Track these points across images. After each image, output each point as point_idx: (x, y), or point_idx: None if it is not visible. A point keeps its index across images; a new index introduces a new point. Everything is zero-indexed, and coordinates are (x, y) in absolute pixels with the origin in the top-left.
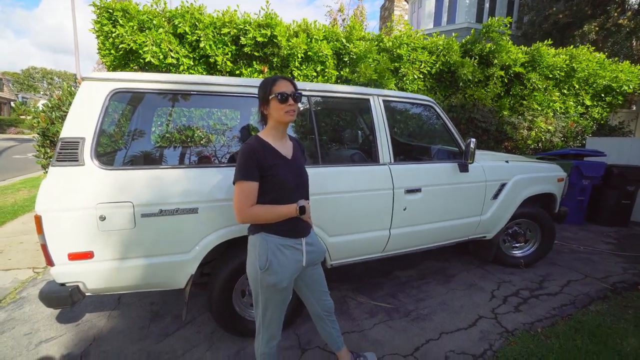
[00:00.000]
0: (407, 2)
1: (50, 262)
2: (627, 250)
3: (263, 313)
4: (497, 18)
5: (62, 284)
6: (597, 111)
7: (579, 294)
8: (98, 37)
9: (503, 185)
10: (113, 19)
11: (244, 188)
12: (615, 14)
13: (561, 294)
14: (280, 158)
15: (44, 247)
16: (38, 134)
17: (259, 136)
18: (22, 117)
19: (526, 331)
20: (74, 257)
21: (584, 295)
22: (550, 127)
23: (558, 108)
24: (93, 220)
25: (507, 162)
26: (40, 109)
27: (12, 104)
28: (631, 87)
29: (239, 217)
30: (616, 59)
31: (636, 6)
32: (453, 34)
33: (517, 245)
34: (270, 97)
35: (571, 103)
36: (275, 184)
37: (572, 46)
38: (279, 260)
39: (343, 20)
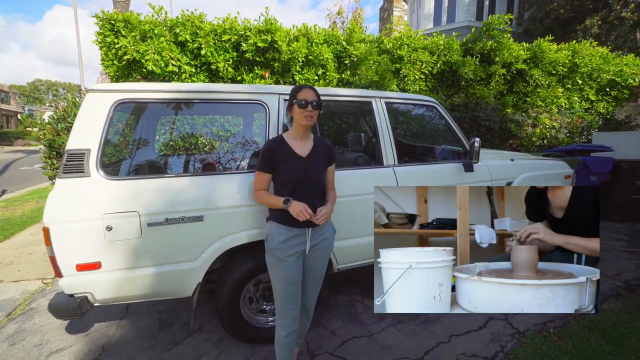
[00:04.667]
0: (406, 3)
1: (58, 274)
2: (639, 247)
3: (277, 298)
4: (497, 15)
5: (71, 295)
6: (602, 106)
7: None
8: (101, 48)
9: (509, 184)
10: (115, 30)
11: (257, 176)
12: (618, 7)
13: None
14: (293, 155)
15: (52, 259)
16: (45, 145)
17: (281, 135)
18: (28, 129)
19: (538, 332)
20: (82, 268)
21: None
22: (555, 124)
23: (563, 104)
24: (100, 231)
25: (512, 160)
26: (46, 121)
27: (19, 116)
28: (637, 80)
29: (252, 196)
30: (620, 52)
31: None
32: (453, 33)
33: None
34: (293, 102)
35: (576, 98)
36: (283, 176)
37: (574, 41)
38: (279, 239)
39: (342, 22)
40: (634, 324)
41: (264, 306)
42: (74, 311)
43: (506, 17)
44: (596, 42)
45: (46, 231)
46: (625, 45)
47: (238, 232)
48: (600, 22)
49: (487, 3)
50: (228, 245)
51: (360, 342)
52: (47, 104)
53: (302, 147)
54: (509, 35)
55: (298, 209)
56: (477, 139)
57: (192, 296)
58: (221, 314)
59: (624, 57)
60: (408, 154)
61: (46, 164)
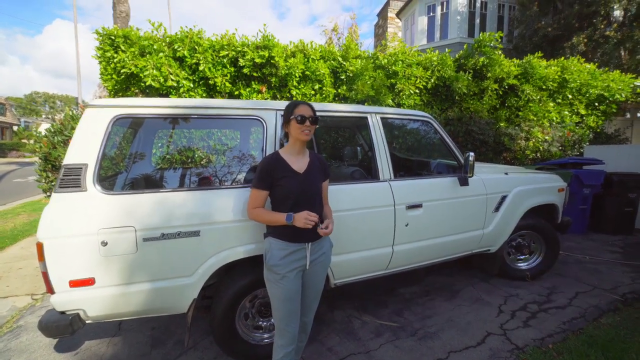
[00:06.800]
0: (401, 20)
1: (50, 290)
2: (634, 259)
3: (276, 316)
4: (488, 33)
5: (62, 312)
6: (592, 120)
7: (588, 306)
8: (100, 62)
9: (504, 198)
10: (115, 45)
11: (254, 194)
12: (602, 26)
13: (570, 306)
14: (291, 172)
15: (45, 275)
16: (40, 158)
17: (277, 151)
18: (23, 140)
19: (537, 347)
20: (75, 284)
21: (594, 308)
22: (547, 137)
23: (554, 118)
24: (95, 246)
25: (506, 174)
26: (43, 133)
27: (15, 128)
28: (623, 95)
29: (248, 214)
30: (606, 68)
31: (620, 18)
32: (446, 49)
33: (521, 257)
34: (291, 118)
35: (566, 113)
36: (282, 193)
37: (562, 58)
38: (279, 255)
39: (338, 39)
40: (633, 338)
41: (260, 322)
42: (65, 329)
43: (497, 34)
44: (583, 59)
45: (40, 246)
46: (611, 62)
47: (235, 247)
48: (586, 40)
49: (478, 21)
50: (224, 260)
51: (358, 359)
52: (44, 116)
53: (299, 162)
54: (500, 51)
55: (303, 217)
56: (472, 154)
57: (187, 312)
58: (216, 331)
59: (611, 73)
60: (404, 168)
61: (41, 177)
